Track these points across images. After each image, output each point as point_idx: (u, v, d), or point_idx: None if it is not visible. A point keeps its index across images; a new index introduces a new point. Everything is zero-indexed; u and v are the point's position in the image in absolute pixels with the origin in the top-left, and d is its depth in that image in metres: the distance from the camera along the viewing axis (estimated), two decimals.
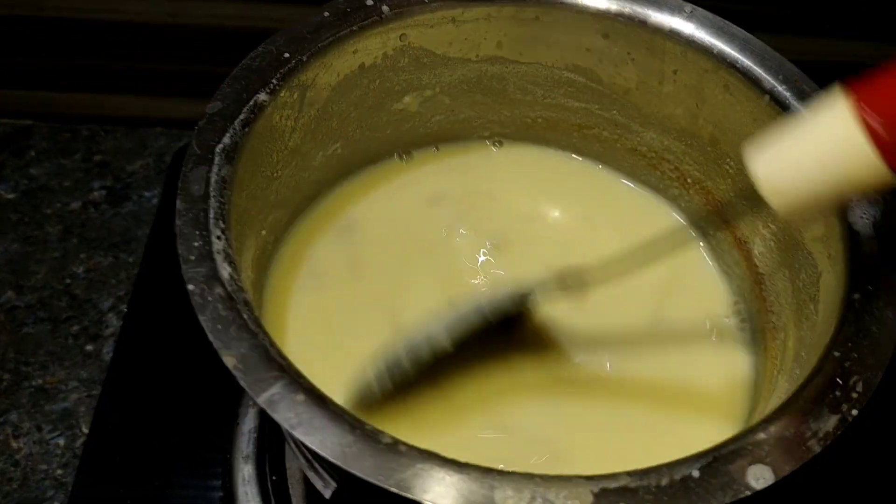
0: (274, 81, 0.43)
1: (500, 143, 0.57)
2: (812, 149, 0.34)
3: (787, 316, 0.44)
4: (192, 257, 0.36)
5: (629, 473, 0.32)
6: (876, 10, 0.64)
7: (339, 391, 0.42)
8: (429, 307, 0.48)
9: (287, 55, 0.44)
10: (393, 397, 0.43)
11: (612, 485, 0.31)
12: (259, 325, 0.35)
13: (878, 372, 0.35)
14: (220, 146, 0.40)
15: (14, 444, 0.58)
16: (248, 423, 0.55)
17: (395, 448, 0.32)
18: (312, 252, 0.51)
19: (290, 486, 0.53)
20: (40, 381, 0.62)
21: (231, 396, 0.56)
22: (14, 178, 0.73)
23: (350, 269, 0.51)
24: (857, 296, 0.37)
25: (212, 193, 0.38)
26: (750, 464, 0.32)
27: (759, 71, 0.45)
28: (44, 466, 0.58)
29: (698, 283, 0.51)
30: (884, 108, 0.32)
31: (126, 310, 0.64)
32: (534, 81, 0.53)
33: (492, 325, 0.44)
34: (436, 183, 0.55)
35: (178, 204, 0.37)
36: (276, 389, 0.33)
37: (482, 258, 0.52)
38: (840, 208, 0.38)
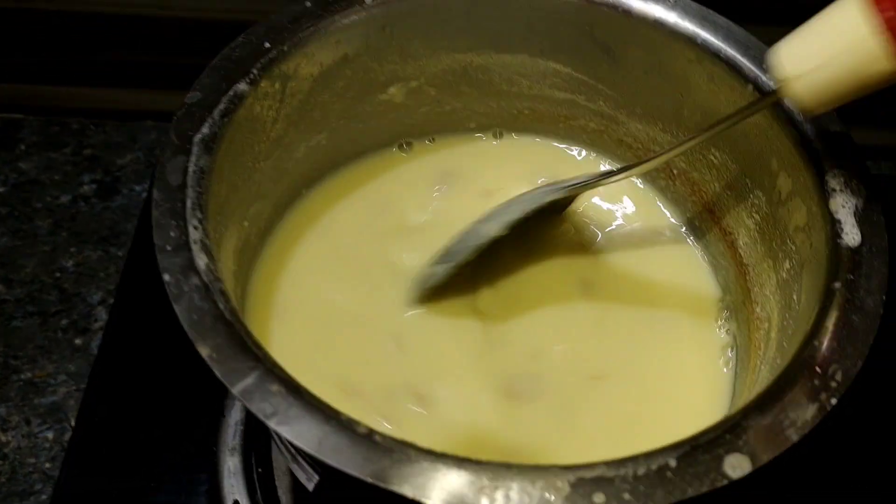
0: (254, 71, 0.42)
1: (501, 136, 0.57)
2: (830, 37, 0.35)
3: (770, 306, 0.44)
4: (169, 247, 0.36)
5: (606, 463, 0.32)
6: None
7: (322, 381, 0.42)
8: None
9: (268, 45, 0.43)
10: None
11: (589, 474, 0.31)
12: (235, 315, 0.35)
13: (858, 361, 0.35)
14: (199, 136, 0.39)
15: (2, 438, 0.58)
16: (235, 416, 0.55)
17: (371, 438, 0.32)
18: (300, 244, 0.51)
19: (276, 479, 0.53)
20: (29, 375, 0.62)
21: (217, 389, 0.55)
22: (3, 172, 0.73)
23: (337, 261, 0.51)
24: (837, 285, 0.37)
25: (189, 183, 0.38)
26: (727, 453, 0.32)
27: (742, 60, 0.44)
28: (32, 460, 0.58)
29: (684, 274, 0.51)
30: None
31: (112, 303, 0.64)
32: (519, 72, 0.52)
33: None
34: (429, 174, 0.55)
35: (155, 194, 0.37)
36: (251, 380, 0.33)
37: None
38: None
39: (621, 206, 0.54)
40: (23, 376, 0.61)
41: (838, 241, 0.38)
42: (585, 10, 0.48)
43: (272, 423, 0.32)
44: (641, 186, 0.55)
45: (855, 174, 0.40)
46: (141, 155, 0.75)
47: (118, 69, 0.76)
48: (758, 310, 0.45)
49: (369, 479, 0.31)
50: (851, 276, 0.37)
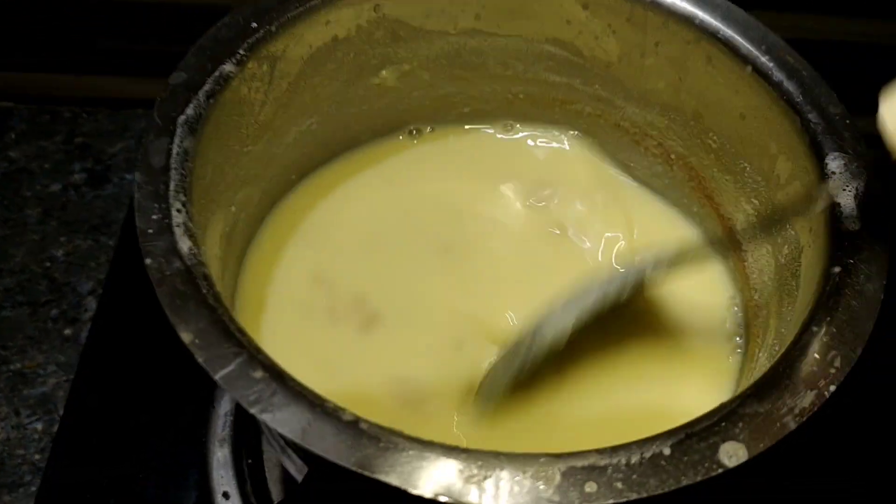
0: (241, 52, 0.42)
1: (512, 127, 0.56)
2: None
3: (769, 292, 0.43)
4: (151, 230, 0.35)
5: (598, 451, 0.31)
6: None
7: (312, 369, 0.41)
8: (408, 287, 0.48)
9: (255, 25, 0.42)
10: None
11: (580, 463, 0.30)
12: (219, 300, 0.34)
13: (858, 347, 0.34)
14: (183, 117, 0.39)
15: None
16: (224, 407, 0.54)
17: (357, 426, 0.31)
18: (296, 232, 0.50)
19: (266, 470, 0.52)
20: (19, 366, 0.61)
21: (207, 380, 0.55)
22: None
23: (331, 249, 0.50)
24: (837, 269, 0.36)
25: (173, 165, 0.37)
26: (723, 441, 0.31)
27: (741, 41, 0.44)
28: (21, 451, 0.57)
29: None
30: None
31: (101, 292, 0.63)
32: (514, 56, 0.51)
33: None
34: (432, 162, 0.55)
35: (137, 176, 0.36)
36: (233, 366, 0.32)
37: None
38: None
39: (611, 192, 0.53)
40: (12, 367, 0.61)
41: (838, 225, 0.38)
42: None
43: (254, 411, 0.31)
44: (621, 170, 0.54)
45: (855, 157, 0.39)
46: (132, 143, 0.74)
47: (110, 57, 0.75)
48: (756, 297, 0.45)
49: (354, 468, 0.30)
50: (851, 261, 0.36)
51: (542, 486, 0.30)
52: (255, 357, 0.32)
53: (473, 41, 0.51)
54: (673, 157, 0.51)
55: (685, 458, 0.31)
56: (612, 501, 0.30)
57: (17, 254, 0.67)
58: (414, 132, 0.55)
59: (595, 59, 0.50)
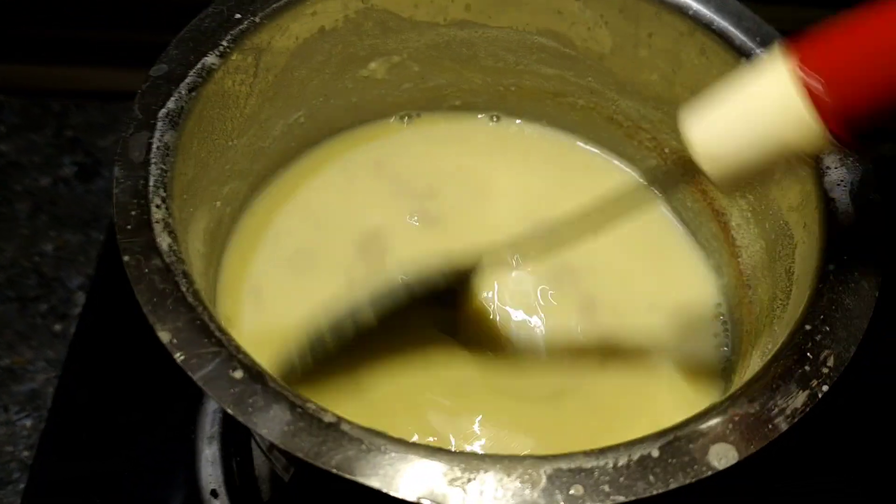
0: (224, 44, 0.41)
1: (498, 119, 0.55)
2: (750, 111, 0.32)
3: (763, 290, 0.42)
4: (129, 227, 0.34)
5: (584, 453, 0.30)
6: None
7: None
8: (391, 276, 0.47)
9: (238, 16, 0.42)
10: (313, 373, 0.41)
11: (566, 465, 0.30)
12: (199, 298, 0.33)
13: (851, 346, 0.33)
14: (164, 111, 0.38)
15: None
16: (213, 404, 0.54)
17: (338, 427, 0.30)
18: (276, 224, 0.49)
19: (255, 468, 0.52)
20: (7, 362, 0.60)
21: None
22: None
23: (312, 241, 0.49)
24: (831, 266, 0.35)
25: (153, 160, 0.36)
26: (712, 442, 0.31)
27: (735, 32, 0.43)
28: (10, 448, 0.57)
29: (674, 256, 0.49)
30: (823, 68, 0.30)
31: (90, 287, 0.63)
32: (505, 47, 0.51)
33: (421, 301, 0.42)
34: (416, 148, 0.54)
35: (116, 171, 0.36)
36: (212, 366, 0.31)
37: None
38: (778, 174, 0.36)
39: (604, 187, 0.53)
40: (1, 363, 0.60)
41: (833, 220, 0.37)
42: None
43: (233, 413, 0.30)
44: (628, 169, 0.53)
45: (851, 152, 0.38)
46: None
47: (100, 49, 0.74)
48: (750, 294, 0.44)
49: (335, 471, 0.29)
50: (846, 258, 0.36)
51: (527, 489, 0.29)
52: (235, 357, 0.32)
53: (463, 32, 0.50)
54: (667, 151, 0.50)
55: (674, 461, 0.30)
56: None
57: (6, 248, 0.66)
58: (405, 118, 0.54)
59: (587, 51, 0.49)
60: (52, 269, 0.65)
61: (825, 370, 0.32)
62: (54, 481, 0.53)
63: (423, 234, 0.50)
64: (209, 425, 0.53)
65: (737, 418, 0.31)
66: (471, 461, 0.30)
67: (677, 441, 0.30)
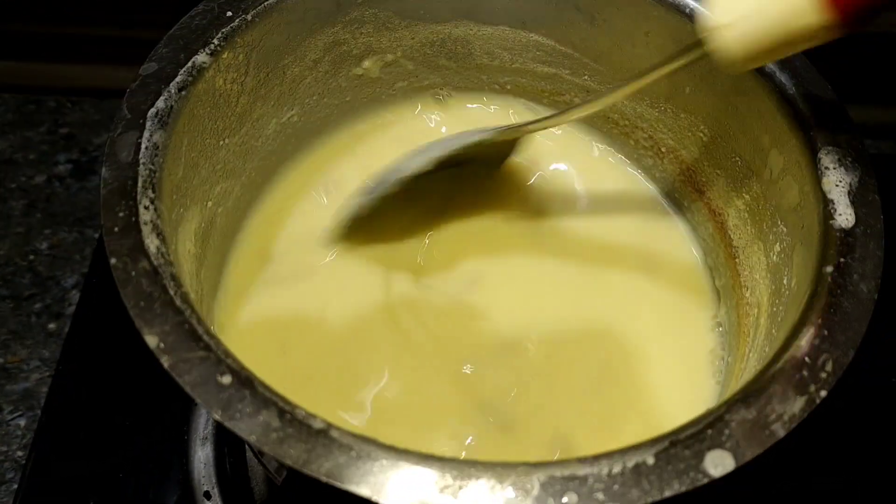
0: (215, 41, 0.40)
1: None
2: None
3: (760, 291, 0.42)
4: (116, 228, 0.34)
5: (578, 460, 0.30)
6: None
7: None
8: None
9: (230, 13, 0.41)
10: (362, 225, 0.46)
11: (560, 472, 0.29)
12: (187, 302, 0.33)
13: (850, 350, 0.32)
14: (153, 110, 0.37)
15: None
16: None
17: (328, 434, 0.30)
18: (287, 222, 0.49)
19: (248, 469, 0.51)
20: (1, 361, 0.60)
21: None
22: None
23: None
24: (829, 269, 0.35)
25: (141, 161, 0.36)
26: (709, 449, 0.30)
27: None
28: (4, 448, 0.57)
29: (672, 257, 0.49)
30: None
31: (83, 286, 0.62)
32: (500, 45, 0.50)
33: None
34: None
35: (104, 172, 0.35)
36: (199, 371, 0.31)
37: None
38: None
39: (602, 183, 0.52)
40: None
41: (831, 222, 0.36)
42: None
43: (220, 419, 0.30)
44: (612, 161, 0.53)
45: (850, 151, 0.38)
46: None
47: (96, 46, 0.74)
48: (747, 295, 0.43)
49: (324, 478, 0.29)
50: (844, 260, 0.35)
51: (519, 498, 0.29)
52: (223, 361, 0.31)
53: (459, 30, 0.49)
54: (664, 150, 0.50)
55: (669, 468, 0.30)
56: None
57: (0, 247, 0.65)
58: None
59: (584, 50, 0.49)
60: (46, 267, 0.65)
61: (823, 375, 0.32)
62: (48, 481, 0.53)
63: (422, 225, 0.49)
64: (203, 426, 0.53)
65: (733, 424, 0.31)
66: (463, 468, 0.29)
67: (673, 447, 0.30)
